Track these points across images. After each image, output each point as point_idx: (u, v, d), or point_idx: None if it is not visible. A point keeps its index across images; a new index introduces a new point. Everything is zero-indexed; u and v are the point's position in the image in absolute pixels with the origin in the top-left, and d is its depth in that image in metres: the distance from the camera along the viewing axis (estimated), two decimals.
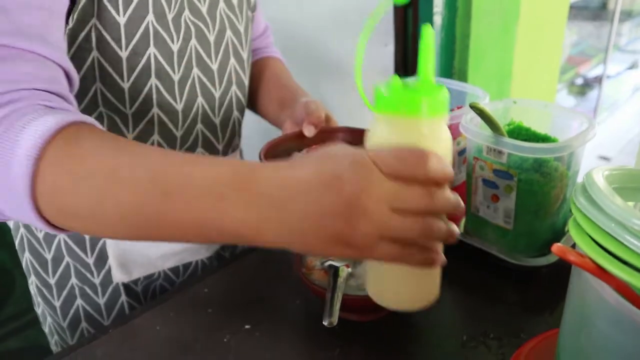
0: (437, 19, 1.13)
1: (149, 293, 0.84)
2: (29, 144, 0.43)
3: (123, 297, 0.81)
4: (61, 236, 0.77)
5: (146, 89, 0.70)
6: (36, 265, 0.80)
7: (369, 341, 0.65)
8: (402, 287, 0.49)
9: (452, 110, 0.85)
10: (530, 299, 0.70)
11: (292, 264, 0.68)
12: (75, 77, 0.56)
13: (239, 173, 0.42)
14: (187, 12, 0.71)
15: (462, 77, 1.21)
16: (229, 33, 0.79)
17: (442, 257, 0.45)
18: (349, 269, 0.65)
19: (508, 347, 0.62)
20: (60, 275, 0.80)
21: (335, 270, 0.63)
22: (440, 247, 0.45)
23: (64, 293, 0.81)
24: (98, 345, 0.66)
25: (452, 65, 1.19)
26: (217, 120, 0.81)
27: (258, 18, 0.97)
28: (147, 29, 0.66)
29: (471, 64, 1.19)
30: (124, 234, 0.46)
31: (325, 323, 0.57)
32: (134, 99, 0.70)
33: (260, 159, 0.68)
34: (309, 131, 0.76)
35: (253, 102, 0.96)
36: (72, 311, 0.82)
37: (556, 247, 0.37)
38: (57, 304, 0.82)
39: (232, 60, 0.81)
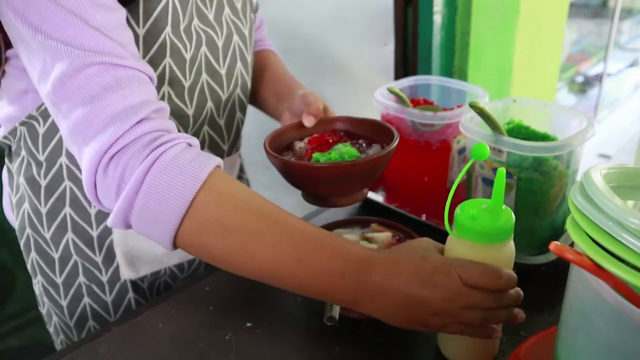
0: (437, 17, 1.13)
1: (154, 289, 0.85)
2: (188, 185, 0.52)
3: (130, 294, 0.82)
4: (69, 236, 0.78)
5: (159, 96, 0.70)
6: (43, 265, 0.81)
7: (369, 339, 0.65)
8: (470, 349, 0.60)
9: (452, 108, 0.85)
10: (530, 296, 0.70)
11: None
12: (155, 81, 0.62)
13: (360, 259, 0.53)
14: (196, 21, 0.72)
15: (462, 75, 1.21)
16: (235, 38, 0.80)
17: (498, 332, 0.56)
18: None
19: (508, 344, 0.62)
20: (68, 274, 0.80)
21: None
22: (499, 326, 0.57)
23: (71, 292, 0.81)
24: (101, 343, 0.67)
25: (452, 63, 1.19)
26: (221, 122, 0.82)
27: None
28: (164, 40, 0.67)
29: (471, 63, 1.19)
30: (246, 276, 0.57)
31: (325, 321, 0.57)
32: None
33: (265, 147, 0.70)
34: (308, 121, 0.77)
35: (251, 95, 0.97)
36: (79, 310, 0.82)
37: (554, 245, 0.37)
38: (64, 303, 0.82)
39: (239, 64, 0.82)
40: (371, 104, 0.88)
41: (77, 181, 0.74)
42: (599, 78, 3.28)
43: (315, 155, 0.70)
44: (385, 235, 0.70)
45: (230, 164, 0.90)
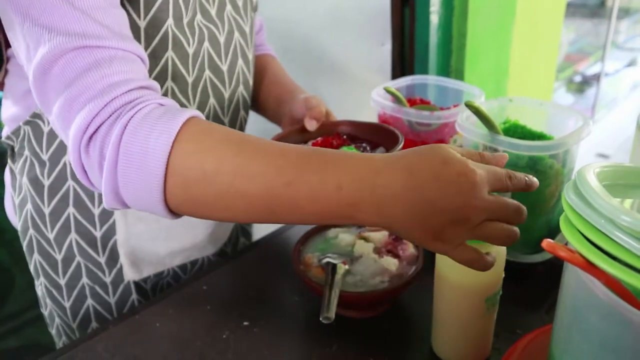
0: (434, 17, 1.13)
1: (157, 290, 0.85)
2: (159, 146, 0.49)
3: (134, 295, 0.82)
4: (72, 236, 0.78)
5: (162, 91, 0.70)
6: (46, 267, 0.81)
7: (366, 337, 0.65)
8: (463, 348, 0.60)
9: (448, 108, 0.85)
10: (526, 295, 0.71)
11: (290, 261, 0.69)
12: (147, 62, 0.61)
13: (359, 165, 0.48)
14: (199, 16, 0.72)
15: (459, 75, 1.21)
16: (236, 35, 0.80)
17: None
18: (346, 266, 0.66)
19: (503, 342, 0.62)
20: (71, 275, 0.80)
21: (332, 267, 0.64)
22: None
23: (74, 293, 0.81)
24: (99, 341, 0.67)
25: (449, 64, 1.20)
26: (226, 120, 0.82)
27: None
28: (166, 32, 0.67)
29: (468, 63, 1.20)
30: (247, 219, 0.53)
31: (322, 319, 0.58)
32: None
33: None
34: (311, 125, 0.77)
35: (251, 98, 0.96)
36: (82, 311, 0.82)
37: (546, 243, 0.38)
38: (67, 304, 0.82)
39: (240, 61, 0.82)
40: (368, 103, 0.89)
41: (79, 182, 0.74)
42: (596, 77, 3.29)
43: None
44: (381, 235, 0.71)
45: None
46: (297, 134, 0.78)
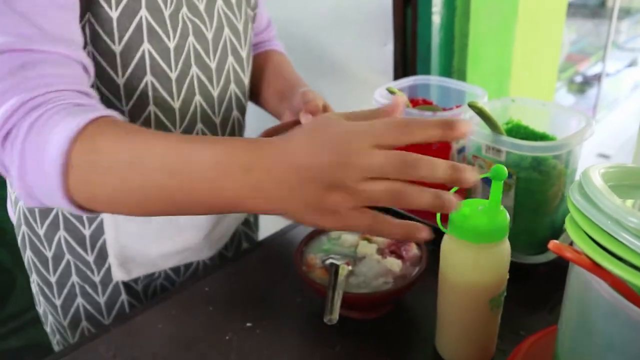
0: (436, 18, 1.13)
1: (149, 292, 0.85)
2: (58, 144, 0.49)
3: (123, 296, 0.82)
4: (61, 234, 0.78)
5: (141, 85, 0.69)
6: (37, 263, 0.81)
7: (369, 338, 0.65)
8: (467, 349, 0.59)
9: (451, 108, 0.85)
10: (530, 296, 0.71)
11: (293, 262, 0.69)
12: (92, 70, 0.62)
13: (230, 154, 0.47)
14: (184, 9, 0.71)
15: (461, 76, 1.21)
16: (226, 31, 0.78)
17: (423, 230, 0.46)
18: (350, 267, 0.66)
19: (508, 343, 0.62)
20: (61, 273, 0.80)
21: (335, 268, 0.64)
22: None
23: (65, 291, 0.81)
24: (100, 343, 0.67)
25: (451, 64, 1.20)
26: (217, 120, 0.81)
27: (261, 13, 0.96)
28: (140, 23, 0.66)
29: (470, 63, 1.20)
30: (147, 212, 0.54)
31: (326, 320, 0.57)
32: (130, 95, 0.69)
33: None
34: (306, 119, 0.74)
35: (255, 94, 0.96)
36: (72, 310, 0.82)
37: (552, 244, 0.38)
38: (58, 302, 0.82)
39: (231, 59, 0.80)
40: (370, 104, 0.88)
41: None
42: (597, 78, 3.28)
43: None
44: None
45: None
46: (291, 127, 0.77)
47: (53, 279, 0.81)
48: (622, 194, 0.42)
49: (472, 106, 0.68)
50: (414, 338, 0.65)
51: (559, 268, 0.57)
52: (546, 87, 1.66)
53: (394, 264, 0.66)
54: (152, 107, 0.72)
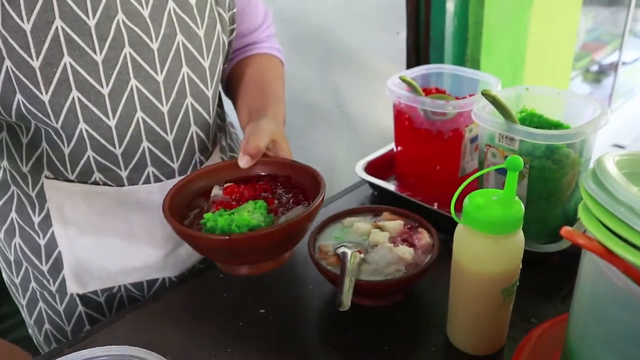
0: (450, 5, 1.12)
1: (114, 304, 0.80)
2: None
3: (80, 308, 0.79)
4: (17, 241, 0.77)
5: (68, 102, 0.64)
6: (3, 264, 0.82)
7: (380, 326, 0.66)
8: (478, 337, 0.60)
9: (464, 97, 0.85)
10: (542, 285, 0.71)
11: (306, 249, 0.69)
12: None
13: None
14: (120, 16, 0.64)
15: (475, 64, 1.20)
16: (179, 38, 0.70)
17: None
18: (362, 255, 0.66)
19: (519, 331, 0.62)
20: (22, 277, 0.80)
21: (348, 256, 0.64)
22: None
23: (27, 294, 0.81)
24: (117, 328, 0.68)
25: (465, 52, 1.19)
26: (169, 138, 0.73)
27: (254, 11, 0.88)
28: (56, 35, 0.60)
29: (484, 52, 1.19)
30: None
31: (338, 307, 0.58)
32: (57, 113, 0.64)
33: (165, 213, 0.62)
34: (242, 162, 0.69)
35: (233, 103, 0.89)
36: (36, 312, 0.82)
37: (565, 230, 0.38)
38: (24, 302, 0.83)
39: (185, 69, 0.72)
40: (383, 93, 0.88)
41: (20, 187, 0.74)
42: (614, 67, 3.23)
43: (207, 215, 0.63)
44: (396, 224, 0.71)
45: None
46: (228, 169, 0.71)
47: (17, 281, 0.81)
48: (637, 182, 0.42)
49: (486, 94, 0.67)
50: (425, 326, 0.66)
51: (572, 257, 0.57)
52: (561, 76, 1.64)
53: (406, 252, 0.66)
54: (83, 125, 0.66)
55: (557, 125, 0.75)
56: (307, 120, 1.54)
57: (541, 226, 0.74)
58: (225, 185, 0.69)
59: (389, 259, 0.66)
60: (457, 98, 0.85)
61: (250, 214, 0.62)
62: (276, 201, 0.67)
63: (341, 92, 1.43)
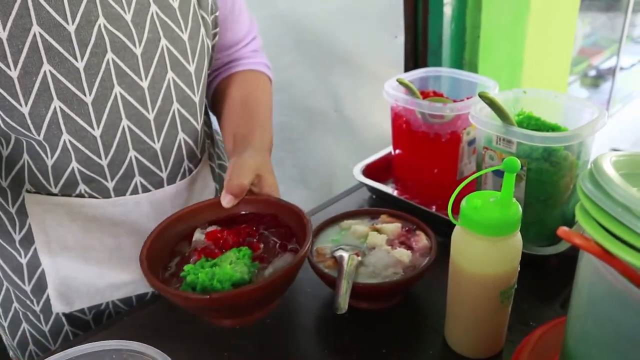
0: (447, 9, 1.13)
1: (103, 321, 0.78)
2: None
3: (66, 327, 0.77)
4: None
5: (50, 113, 0.62)
6: None
7: (378, 329, 0.65)
8: (476, 340, 0.60)
9: (461, 100, 0.85)
10: (540, 288, 0.71)
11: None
12: None
13: None
14: (102, 21, 0.61)
15: (473, 68, 1.21)
16: (164, 43, 0.68)
17: None
18: (359, 258, 0.66)
19: (517, 334, 0.62)
20: (3, 298, 0.77)
21: (344, 259, 0.64)
22: None
23: (10, 315, 0.78)
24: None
25: (462, 56, 1.19)
26: (157, 146, 0.71)
27: (237, 19, 0.84)
28: (34, 42, 0.58)
29: (481, 56, 1.19)
30: None
31: (335, 310, 0.58)
32: (38, 125, 0.62)
33: (142, 266, 0.59)
34: (225, 201, 0.66)
35: (218, 123, 0.85)
36: (19, 333, 0.79)
37: (562, 230, 0.38)
38: (6, 324, 0.79)
39: (171, 74, 0.69)
40: (381, 96, 0.89)
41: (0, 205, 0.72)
42: (611, 72, 3.24)
43: (188, 267, 0.59)
44: (394, 226, 0.71)
45: (173, 194, 0.75)
46: (210, 209, 0.68)
47: None
48: (634, 183, 0.42)
49: (483, 96, 0.67)
50: (423, 329, 0.66)
51: (570, 260, 0.57)
52: (559, 81, 1.64)
53: (404, 255, 0.66)
54: (66, 136, 0.64)
55: (554, 128, 0.75)
56: (306, 123, 1.54)
57: (539, 229, 0.74)
58: (208, 230, 0.66)
59: (387, 262, 0.65)
60: (454, 101, 0.86)
61: (234, 266, 0.59)
62: (262, 246, 0.64)
63: (339, 95, 1.43)
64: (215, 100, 0.87)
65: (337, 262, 0.65)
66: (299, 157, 1.62)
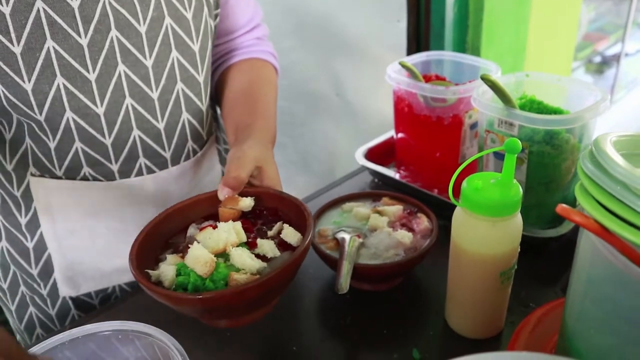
0: None
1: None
2: None
3: (73, 311, 0.77)
4: (4, 244, 0.74)
5: (53, 90, 0.61)
6: None
7: (379, 310, 0.66)
8: (476, 321, 0.60)
9: (464, 84, 0.85)
10: (541, 270, 0.71)
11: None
12: None
13: None
14: None
15: (475, 53, 1.20)
16: (168, 21, 0.67)
17: None
18: (360, 239, 0.66)
19: (517, 315, 0.63)
20: (11, 282, 0.77)
21: (346, 240, 0.65)
22: None
23: (17, 299, 0.78)
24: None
25: (465, 41, 1.18)
26: (160, 125, 0.71)
27: (238, 7, 0.83)
28: (38, 17, 0.57)
29: (484, 40, 1.18)
30: None
31: (336, 290, 0.58)
32: (41, 102, 0.62)
33: (132, 264, 0.55)
34: (221, 193, 0.62)
35: (221, 113, 0.84)
36: (26, 317, 0.79)
37: (561, 207, 0.38)
38: (13, 307, 0.80)
39: (175, 54, 0.69)
40: (383, 81, 0.88)
41: (4, 187, 0.72)
42: (616, 58, 3.22)
43: (179, 265, 0.55)
44: (396, 209, 0.71)
45: (177, 175, 0.76)
46: (206, 203, 0.65)
47: (5, 286, 0.78)
48: (634, 163, 0.42)
49: (485, 79, 0.67)
50: (424, 310, 0.66)
51: (571, 244, 0.57)
52: (562, 66, 1.63)
53: (405, 237, 0.66)
54: (70, 114, 0.64)
55: (557, 112, 0.75)
56: (308, 108, 1.54)
57: (540, 212, 0.74)
58: (202, 225, 0.63)
59: (388, 243, 0.66)
60: (456, 84, 0.85)
61: (228, 264, 0.55)
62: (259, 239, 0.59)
63: (342, 79, 1.42)
64: (218, 90, 0.85)
65: (339, 243, 0.65)
66: (301, 141, 1.62)
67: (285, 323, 0.65)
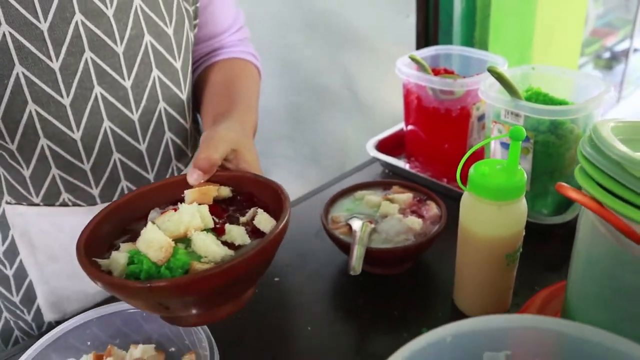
0: None
1: None
2: None
3: None
4: None
5: (24, 117, 0.59)
6: None
7: (390, 293, 0.69)
8: (484, 302, 0.63)
9: (471, 76, 0.87)
10: (546, 255, 0.73)
11: (319, 221, 0.72)
12: None
13: None
14: (79, 17, 0.58)
15: (483, 47, 1.22)
16: (147, 39, 0.64)
17: None
18: (372, 225, 0.69)
19: (523, 297, 0.65)
20: None
21: (358, 225, 0.68)
22: None
23: (1, 324, 0.75)
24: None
25: (473, 36, 1.20)
26: (142, 147, 0.68)
27: (219, 12, 0.79)
28: (4, 42, 0.54)
29: (492, 34, 1.20)
30: None
31: (349, 271, 0.61)
32: (13, 131, 0.59)
33: (78, 250, 0.47)
34: (191, 178, 0.54)
35: (198, 110, 0.79)
36: (12, 341, 0.76)
37: (559, 185, 0.41)
38: None
39: (156, 72, 0.66)
40: (392, 74, 0.91)
41: None
42: (625, 54, 3.21)
43: (132, 251, 0.47)
44: (406, 196, 0.74)
45: None
46: (175, 187, 0.56)
47: None
48: (632, 147, 0.45)
49: (492, 71, 0.70)
50: (432, 292, 0.69)
51: (575, 230, 0.60)
52: (569, 60, 1.64)
53: (415, 223, 0.69)
54: (44, 141, 0.61)
55: (562, 104, 0.77)
56: (318, 102, 1.57)
57: (545, 200, 0.76)
58: (165, 209, 0.55)
59: (399, 229, 0.69)
60: (464, 77, 0.88)
61: (190, 250, 0.47)
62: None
63: (352, 74, 1.44)
64: (196, 88, 0.80)
65: (352, 229, 0.68)
66: (311, 135, 1.65)
67: (301, 303, 0.68)
